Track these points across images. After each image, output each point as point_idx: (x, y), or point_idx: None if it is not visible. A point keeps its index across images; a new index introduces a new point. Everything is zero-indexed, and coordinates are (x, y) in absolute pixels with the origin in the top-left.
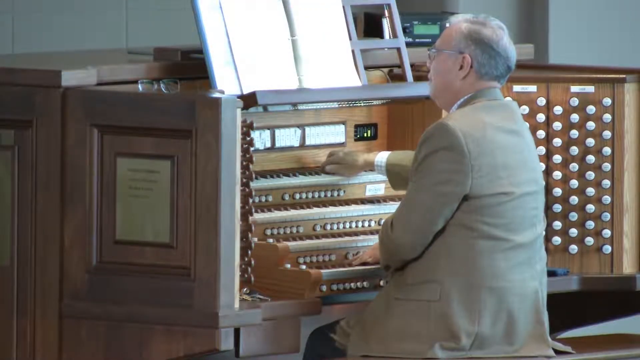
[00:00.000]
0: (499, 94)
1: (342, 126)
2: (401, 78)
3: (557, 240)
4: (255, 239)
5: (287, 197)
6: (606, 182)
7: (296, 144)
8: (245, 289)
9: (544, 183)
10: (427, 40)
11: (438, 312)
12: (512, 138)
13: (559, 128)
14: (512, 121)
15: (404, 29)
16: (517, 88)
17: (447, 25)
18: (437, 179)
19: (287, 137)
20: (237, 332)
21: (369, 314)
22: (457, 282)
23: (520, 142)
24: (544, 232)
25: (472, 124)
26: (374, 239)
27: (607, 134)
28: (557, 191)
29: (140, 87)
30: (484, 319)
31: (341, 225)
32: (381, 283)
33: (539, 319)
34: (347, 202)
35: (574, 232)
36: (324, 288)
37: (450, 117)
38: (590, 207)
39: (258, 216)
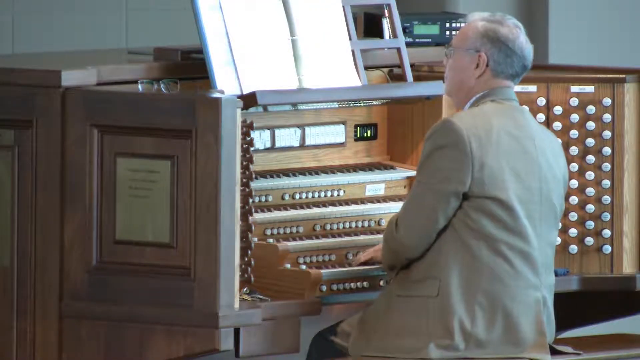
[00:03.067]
0: (512, 94)
1: (342, 126)
2: (401, 78)
3: (557, 240)
4: (255, 239)
5: (287, 197)
6: (606, 182)
7: (296, 144)
8: (245, 289)
9: (560, 201)
10: (427, 40)
11: (436, 308)
12: (522, 144)
13: (559, 128)
14: (524, 128)
15: (404, 29)
16: (517, 88)
17: (463, 23)
18: (439, 177)
19: (287, 137)
20: (237, 332)
21: (370, 312)
22: (456, 280)
23: (531, 149)
24: (555, 243)
25: (479, 124)
26: (374, 239)
27: (607, 134)
28: None
29: (140, 87)
30: (478, 320)
31: (341, 225)
32: (381, 283)
33: (540, 329)
34: (347, 202)
35: (573, 232)
36: (324, 288)
37: (458, 114)
38: (590, 207)
39: (258, 216)
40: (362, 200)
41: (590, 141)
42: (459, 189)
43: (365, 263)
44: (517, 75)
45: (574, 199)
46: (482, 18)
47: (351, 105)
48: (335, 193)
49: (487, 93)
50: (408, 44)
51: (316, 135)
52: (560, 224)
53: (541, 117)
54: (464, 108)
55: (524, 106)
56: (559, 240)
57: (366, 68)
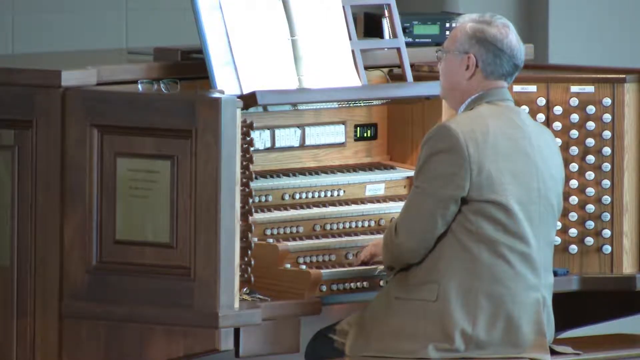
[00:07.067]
0: (507, 94)
1: (342, 126)
2: (401, 78)
3: (557, 240)
4: (255, 239)
5: (287, 197)
6: (606, 182)
7: (296, 144)
8: (245, 289)
9: (558, 199)
10: (427, 40)
11: (434, 313)
12: (519, 145)
13: (559, 128)
14: (520, 129)
15: (404, 29)
16: (517, 88)
17: (454, 25)
18: (438, 183)
19: (287, 137)
20: (237, 332)
21: (368, 313)
22: (455, 284)
23: (528, 149)
24: (553, 242)
25: (475, 128)
26: (374, 239)
27: (607, 134)
28: None
29: (140, 87)
30: (479, 323)
31: (341, 225)
32: (381, 283)
33: (540, 330)
34: (347, 202)
35: (573, 232)
36: (324, 288)
37: (454, 119)
38: (590, 207)
39: (258, 216)
40: (362, 200)
41: (590, 141)
42: (457, 194)
43: (365, 263)
44: (509, 75)
45: (574, 199)
46: (471, 19)
47: (351, 105)
48: (335, 193)
49: (481, 95)
50: (408, 44)
51: (316, 135)
52: (560, 224)
53: (541, 117)
54: (459, 109)
55: (522, 107)
56: (558, 240)
57: (366, 68)
